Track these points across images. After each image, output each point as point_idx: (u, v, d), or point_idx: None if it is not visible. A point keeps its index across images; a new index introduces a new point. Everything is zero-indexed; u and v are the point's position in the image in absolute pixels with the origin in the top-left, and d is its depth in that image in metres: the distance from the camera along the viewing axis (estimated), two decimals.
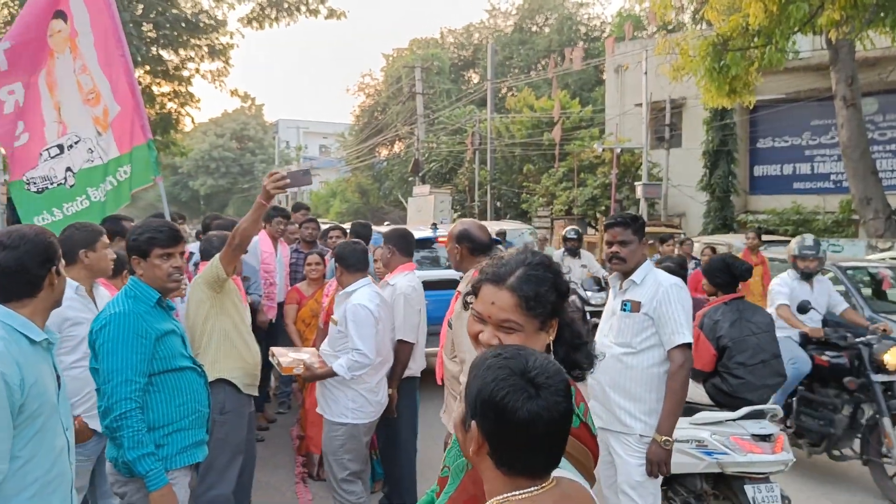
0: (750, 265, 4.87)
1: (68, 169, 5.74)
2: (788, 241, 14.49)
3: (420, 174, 31.37)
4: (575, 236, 11.09)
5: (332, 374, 4.30)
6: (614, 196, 21.11)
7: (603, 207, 22.20)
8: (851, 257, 12.33)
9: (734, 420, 4.21)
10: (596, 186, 22.49)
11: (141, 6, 19.05)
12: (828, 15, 11.61)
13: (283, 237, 7.54)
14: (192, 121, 24.30)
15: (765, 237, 16.24)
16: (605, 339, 3.78)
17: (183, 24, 20.30)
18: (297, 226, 7.92)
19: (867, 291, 8.15)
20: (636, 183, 20.65)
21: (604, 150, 22.01)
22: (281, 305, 6.98)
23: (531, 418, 1.35)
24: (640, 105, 21.59)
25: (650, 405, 3.57)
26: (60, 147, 5.77)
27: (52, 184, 5.75)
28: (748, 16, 11.41)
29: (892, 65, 17.87)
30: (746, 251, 9.81)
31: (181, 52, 21.88)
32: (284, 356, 4.76)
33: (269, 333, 6.80)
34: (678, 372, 3.51)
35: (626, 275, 3.71)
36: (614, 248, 3.68)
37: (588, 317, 7.93)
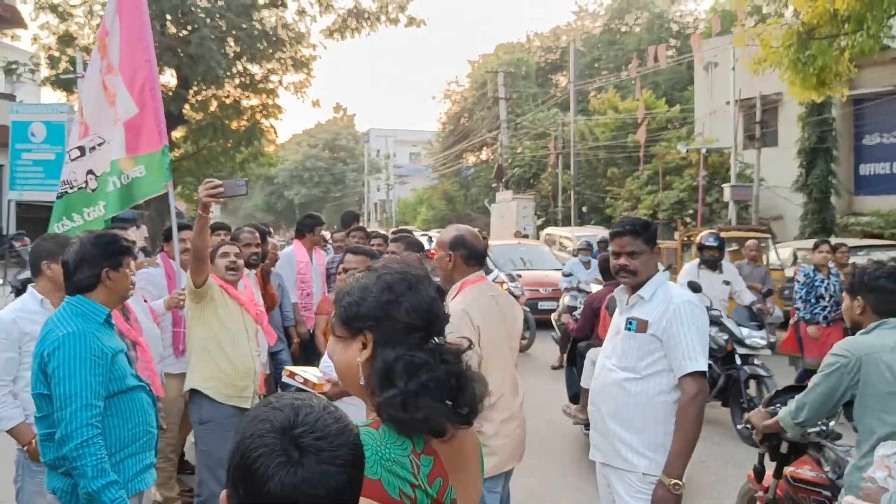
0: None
1: (90, 172, 5.53)
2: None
3: (503, 180, 30.97)
4: (715, 244, 7.84)
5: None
6: (702, 199, 19.98)
7: (691, 211, 21.09)
8: None
9: None
10: (683, 189, 21.39)
11: (223, 22, 19.52)
12: None
13: (316, 246, 7.28)
14: (275, 131, 24.78)
15: (867, 241, 14.93)
16: (608, 361, 3.27)
17: (265, 40, 20.71)
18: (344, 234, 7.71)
19: None
20: (724, 185, 19.47)
21: (689, 151, 20.91)
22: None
23: (284, 493, 1.02)
24: (730, 103, 20.39)
25: (656, 439, 3.05)
26: (82, 149, 5.57)
27: (72, 188, 5.57)
28: (836, 1, 10.44)
29: None
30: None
31: (265, 64, 22.39)
32: (305, 373, 4.45)
33: (308, 345, 6.56)
34: (690, 404, 2.98)
35: (634, 289, 3.21)
36: (622, 261, 3.20)
37: (741, 366, 6.85)
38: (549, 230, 21.46)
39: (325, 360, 4.23)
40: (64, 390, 2.69)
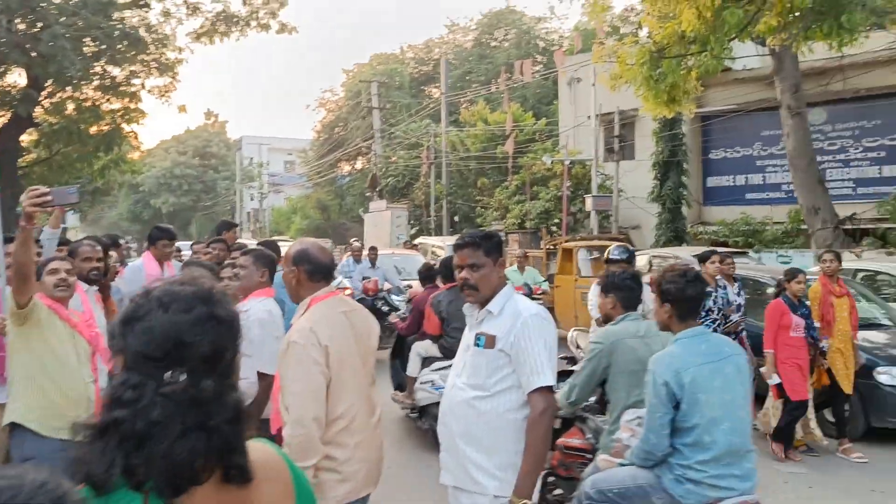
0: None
1: None
2: (743, 253, 14.21)
3: (377, 189, 30.99)
4: (624, 257, 7.04)
5: None
6: (566, 209, 20.81)
7: (556, 220, 21.90)
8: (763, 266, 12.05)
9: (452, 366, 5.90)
10: (548, 199, 22.19)
11: (80, 21, 18.51)
12: (765, 21, 11.42)
13: (168, 259, 6.99)
14: (136, 136, 23.74)
15: (714, 249, 16.02)
16: (458, 379, 3.15)
17: (126, 41, 19.83)
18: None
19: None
20: (586, 196, 20.37)
21: (553, 162, 21.74)
22: None
23: None
24: (591, 117, 21.37)
25: (507, 458, 2.95)
26: None
27: None
28: (683, 22, 11.18)
29: (839, 74, 17.81)
30: (824, 280, 7.18)
31: (126, 66, 21.42)
32: None
33: None
34: (538, 420, 2.89)
35: (482, 304, 3.11)
36: (464, 274, 3.09)
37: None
38: (422, 239, 21.69)
39: None
40: None
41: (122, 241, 8.86)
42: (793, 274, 6.80)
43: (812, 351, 6.68)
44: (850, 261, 10.32)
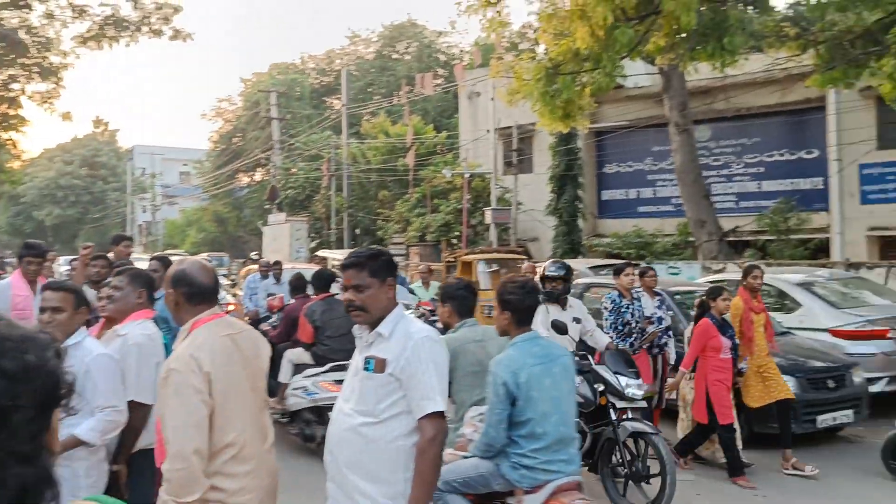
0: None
1: None
2: (637, 265, 14.67)
3: (277, 201, 30.38)
4: (560, 273, 6.56)
5: (78, 443, 3.41)
6: (466, 221, 20.97)
7: (456, 233, 22.04)
8: (685, 280, 12.50)
9: (324, 372, 6.77)
10: (449, 212, 22.32)
11: None
12: (653, 41, 11.87)
13: (40, 276, 6.53)
14: (14, 145, 22.38)
15: (609, 261, 16.51)
16: (345, 405, 3.01)
17: (3, 42, 18.69)
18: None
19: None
20: (486, 208, 20.60)
21: (453, 175, 21.91)
22: None
23: None
24: (490, 131, 21.68)
25: (397, 487, 2.82)
26: None
27: None
28: (577, 40, 11.45)
29: (722, 93, 18.74)
30: (745, 295, 6.85)
31: (4, 70, 20.20)
32: None
33: None
34: (428, 447, 2.79)
35: (372, 326, 2.99)
36: (348, 296, 2.97)
37: (618, 422, 5.56)
38: (322, 252, 21.36)
39: None
40: None
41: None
42: (717, 292, 6.53)
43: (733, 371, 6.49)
44: (733, 272, 10.77)
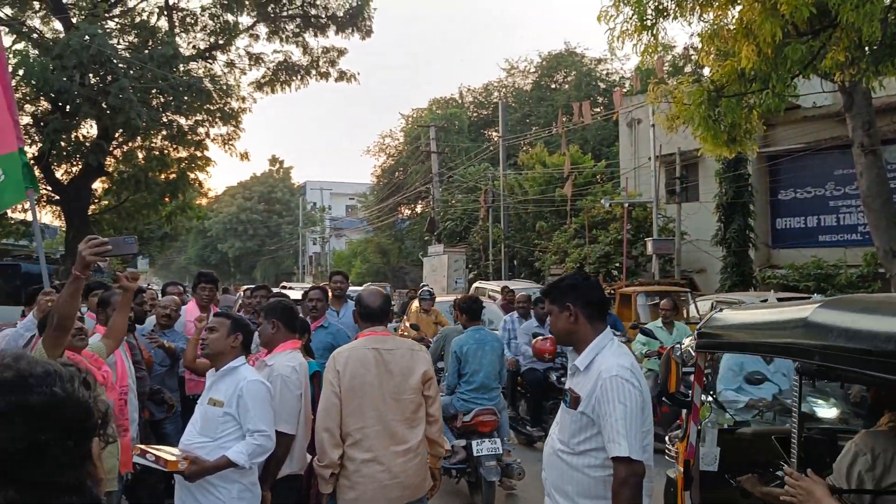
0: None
1: None
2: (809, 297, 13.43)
3: (435, 233, 30.92)
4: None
5: (229, 464, 3.59)
6: (626, 252, 20.20)
7: (616, 264, 21.28)
8: None
9: None
10: (608, 243, 21.61)
11: (147, 74, 19.14)
12: (831, 56, 10.86)
13: (212, 304, 6.94)
14: (200, 184, 24.28)
15: (784, 294, 15.23)
16: (555, 428, 3.07)
17: (191, 92, 20.40)
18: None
19: None
20: (647, 239, 19.73)
21: (612, 205, 21.20)
22: None
23: None
24: (651, 158, 20.84)
25: None
26: None
27: None
28: (742, 60, 10.72)
29: None
30: None
31: (191, 116, 22.02)
32: (160, 451, 4.01)
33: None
34: (619, 491, 2.68)
35: (578, 353, 2.98)
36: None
37: None
38: (479, 283, 21.35)
39: (190, 437, 3.86)
40: None
41: (183, 286, 8.93)
42: None
43: None
44: None
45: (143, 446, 4.26)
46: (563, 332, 3.00)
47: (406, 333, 10.60)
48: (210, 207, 45.04)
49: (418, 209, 41.79)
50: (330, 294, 6.97)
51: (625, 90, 27.39)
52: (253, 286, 7.92)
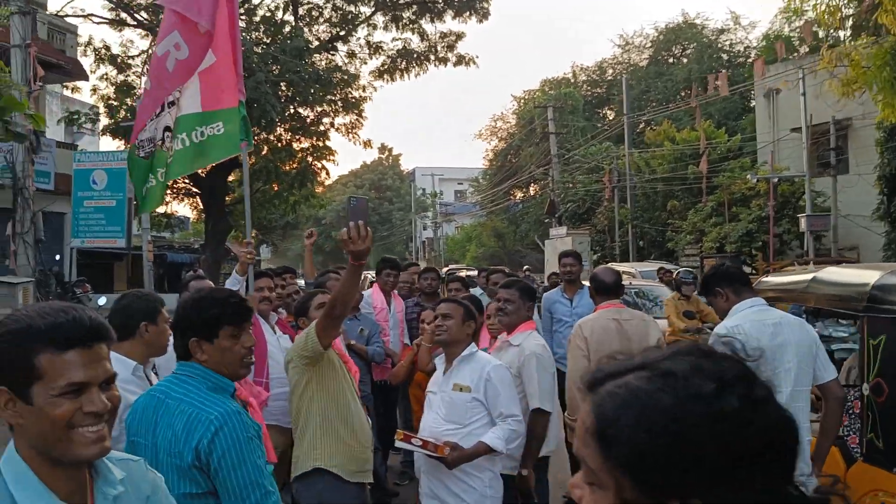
0: None
1: (167, 129, 5.02)
2: None
3: (556, 215, 30.40)
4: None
5: (488, 450, 3.50)
6: (772, 230, 19.14)
7: (759, 243, 20.22)
8: None
9: None
10: (751, 221, 20.54)
11: (276, 67, 19.56)
12: None
13: (394, 289, 6.85)
14: (328, 173, 24.73)
15: None
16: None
17: (317, 83, 20.71)
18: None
19: None
20: (800, 215, 18.59)
21: (758, 180, 20.12)
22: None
23: None
24: (797, 130, 19.62)
25: None
26: (162, 104, 5.05)
27: (154, 146, 5.08)
28: None
29: None
30: None
31: (316, 108, 22.41)
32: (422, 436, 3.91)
33: (384, 395, 6.11)
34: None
35: None
36: None
37: None
38: (609, 266, 20.77)
39: (432, 421, 3.72)
40: (241, 479, 2.22)
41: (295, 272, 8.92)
42: None
43: None
44: None
45: (405, 431, 4.16)
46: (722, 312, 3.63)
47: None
48: (324, 196, 46.11)
49: (531, 192, 41.31)
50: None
51: (750, 60, 25.93)
52: (423, 268, 7.77)
